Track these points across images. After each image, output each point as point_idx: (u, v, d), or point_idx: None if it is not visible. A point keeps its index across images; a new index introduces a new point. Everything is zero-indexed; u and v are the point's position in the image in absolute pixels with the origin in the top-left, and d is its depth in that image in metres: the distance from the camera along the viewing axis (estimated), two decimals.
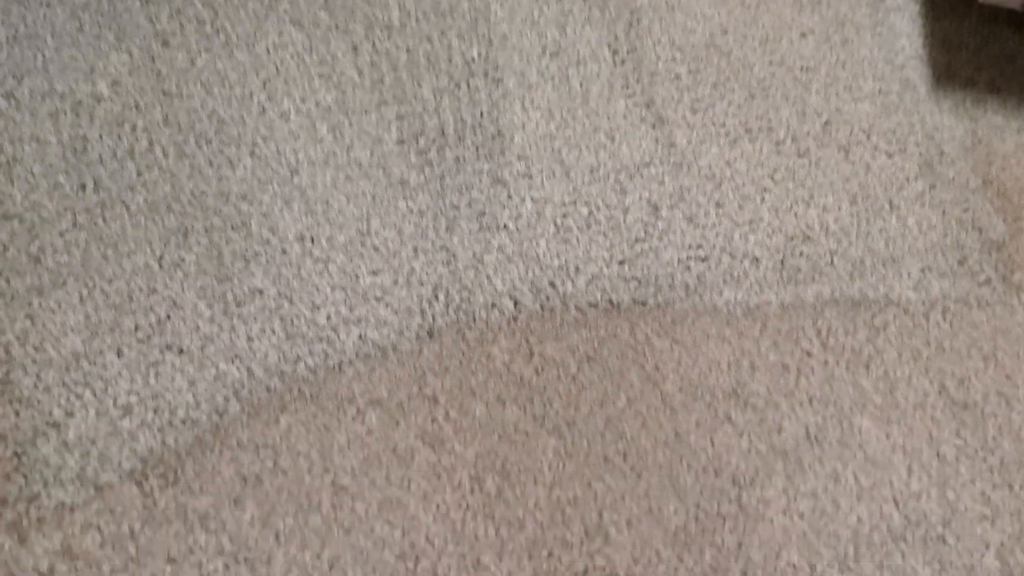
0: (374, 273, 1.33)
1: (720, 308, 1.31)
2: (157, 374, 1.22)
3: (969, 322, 1.31)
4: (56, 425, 1.16)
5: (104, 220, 1.32)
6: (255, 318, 1.28)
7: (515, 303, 1.32)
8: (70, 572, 1.02)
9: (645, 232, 1.38)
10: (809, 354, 1.27)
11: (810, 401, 1.21)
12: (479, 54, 1.47)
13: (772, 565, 1.05)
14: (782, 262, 1.36)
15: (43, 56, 1.41)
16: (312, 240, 1.33)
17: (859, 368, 1.25)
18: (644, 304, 1.32)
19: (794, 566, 1.05)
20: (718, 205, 1.39)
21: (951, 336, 1.30)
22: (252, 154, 1.39)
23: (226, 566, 1.03)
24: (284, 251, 1.33)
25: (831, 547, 1.06)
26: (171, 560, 1.03)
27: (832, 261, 1.36)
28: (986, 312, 1.30)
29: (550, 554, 1.05)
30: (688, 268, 1.35)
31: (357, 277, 1.32)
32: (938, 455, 1.15)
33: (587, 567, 1.04)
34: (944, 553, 1.06)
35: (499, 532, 1.07)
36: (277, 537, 1.06)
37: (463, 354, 1.26)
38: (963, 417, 1.19)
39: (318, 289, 1.31)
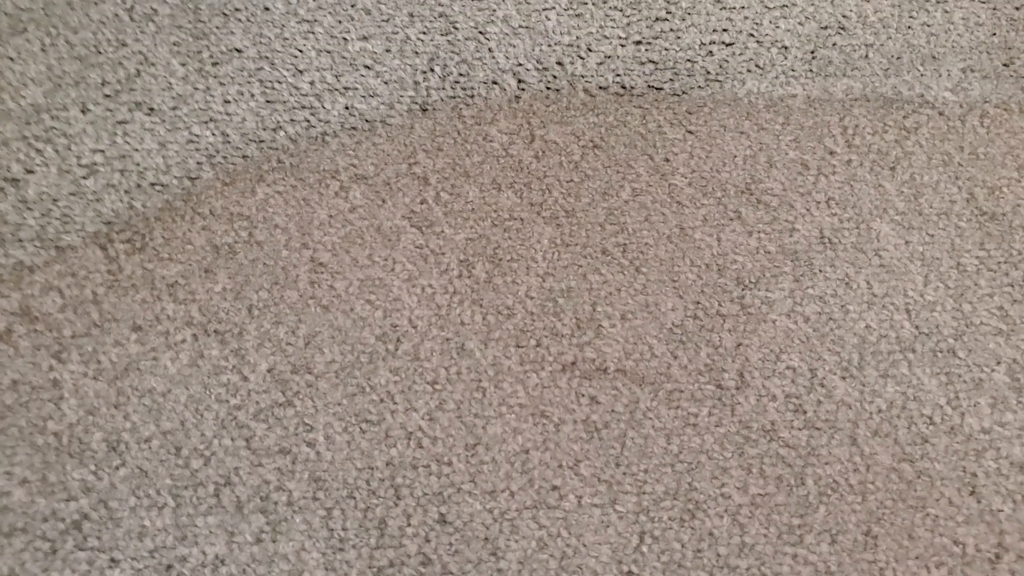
0: (364, 38, 1.21)
1: (741, 99, 1.21)
2: (125, 133, 1.12)
3: (1008, 129, 1.21)
4: (15, 181, 1.08)
5: None
6: (232, 79, 1.17)
7: (518, 81, 1.21)
8: (29, 334, 0.96)
9: (667, 10, 1.25)
10: (832, 153, 1.17)
11: (828, 202, 1.12)
12: None
13: (771, 367, 0.99)
14: (812, 53, 1.24)
15: None
16: None
17: (884, 170, 1.16)
18: (659, 90, 1.21)
19: (793, 369, 0.99)
20: None
21: (987, 143, 1.19)
22: None
23: (195, 336, 0.97)
24: (266, 8, 1.21)
25: (835, 353, 1.00)
26: (136, 328, 0.97)
27: (867, 55, 1.24)
28: None
29: (538, 344, 1.00)
30: (711, 53, 1.23)
31: (345, 41, 1.21)
32: (958, 266, 1.08)
33: (576, 359, 0.99)
34: (953, 365, 1.00)
35: (486, 319, 1.01)
36: (250, 311, 1.00)
37: (458, 133, 1.16)
38: (989, 228, 1.11)
39: (302, 52, 1.19)
